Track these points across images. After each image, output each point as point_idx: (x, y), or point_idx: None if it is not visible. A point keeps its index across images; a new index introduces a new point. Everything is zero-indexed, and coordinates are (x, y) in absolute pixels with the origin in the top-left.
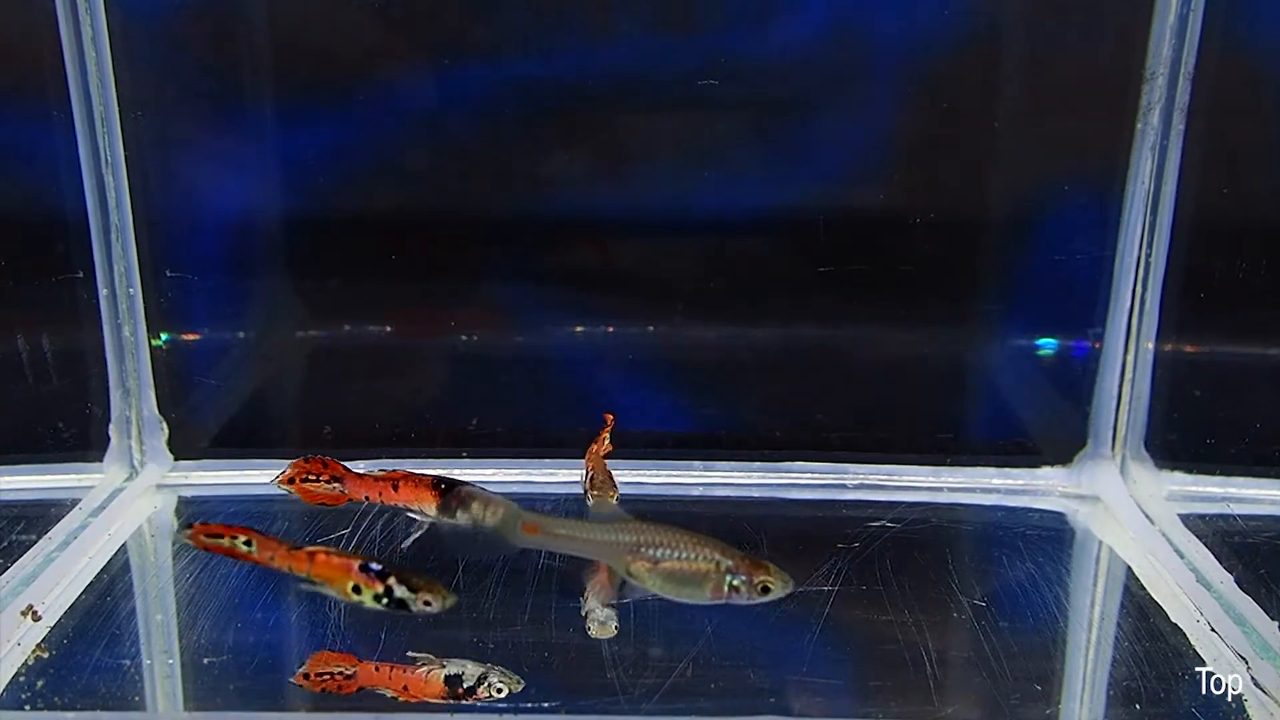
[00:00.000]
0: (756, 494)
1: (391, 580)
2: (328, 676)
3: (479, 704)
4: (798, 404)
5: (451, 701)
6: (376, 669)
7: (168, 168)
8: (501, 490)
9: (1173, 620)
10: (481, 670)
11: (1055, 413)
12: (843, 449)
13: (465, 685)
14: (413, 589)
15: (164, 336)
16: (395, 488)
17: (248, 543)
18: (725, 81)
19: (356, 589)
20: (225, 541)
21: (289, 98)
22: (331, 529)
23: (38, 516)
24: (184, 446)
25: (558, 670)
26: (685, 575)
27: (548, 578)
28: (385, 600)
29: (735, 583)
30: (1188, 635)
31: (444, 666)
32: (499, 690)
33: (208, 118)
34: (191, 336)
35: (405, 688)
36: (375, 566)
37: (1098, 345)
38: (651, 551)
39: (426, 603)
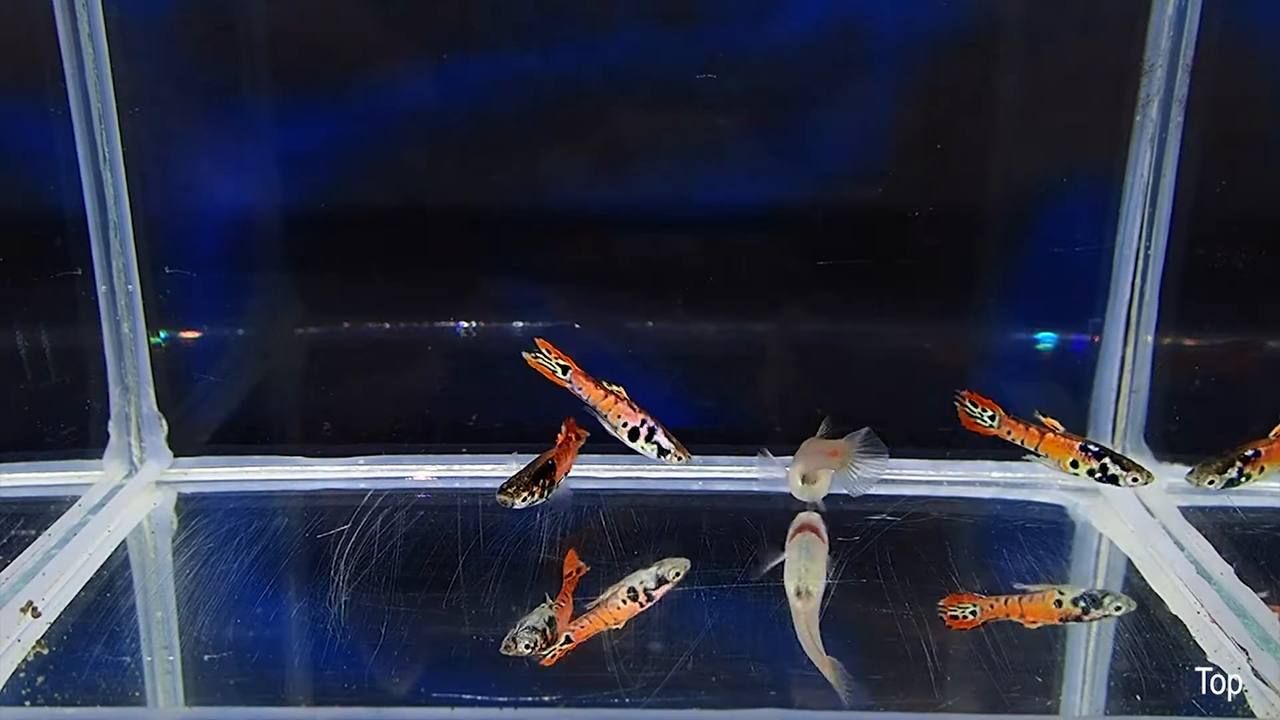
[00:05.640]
0: (756, 488)
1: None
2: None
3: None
4: (797, 398)
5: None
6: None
7: (166, 164)
8: None
9: (1173, 612)
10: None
11: (1055, 406)
12: None
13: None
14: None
15: (163, 333)
16: None
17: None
18: (724, 75)
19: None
20: None
21: (287, 93)
22: (331, 524)
23: (37, 513)
24: (183, 443)
25: (558, 665)
26: None
27: (547, 572)
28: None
29: None
30: (1188, 627)
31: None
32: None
33: (206, 114)
34: (190, 333)
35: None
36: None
37: (1097, 338)
38: None
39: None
